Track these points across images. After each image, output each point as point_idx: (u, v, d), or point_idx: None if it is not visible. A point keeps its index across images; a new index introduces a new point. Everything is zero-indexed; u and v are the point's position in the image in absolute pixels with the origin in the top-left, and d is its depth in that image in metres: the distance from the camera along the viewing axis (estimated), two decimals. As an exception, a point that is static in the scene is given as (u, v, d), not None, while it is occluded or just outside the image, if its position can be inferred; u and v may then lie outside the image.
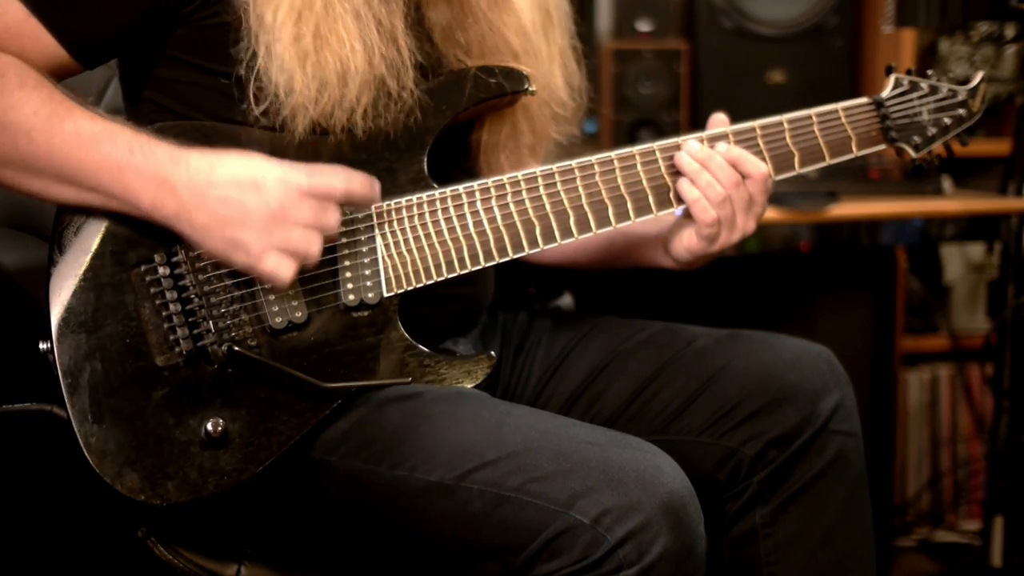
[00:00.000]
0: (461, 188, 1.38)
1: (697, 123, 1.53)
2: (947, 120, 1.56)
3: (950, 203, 2.32)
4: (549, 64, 1.53)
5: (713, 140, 1.45)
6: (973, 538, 2.68)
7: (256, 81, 1.30)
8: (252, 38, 1.30)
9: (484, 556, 1.25)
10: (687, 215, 1.46)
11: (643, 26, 2.57)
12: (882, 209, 2.27)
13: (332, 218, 1.28)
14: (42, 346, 1.28)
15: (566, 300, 2.02)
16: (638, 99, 2.53)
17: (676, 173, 1.44)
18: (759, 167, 1.44)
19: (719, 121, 1.48)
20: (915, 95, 1.55)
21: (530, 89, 1.44)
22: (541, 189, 1.40)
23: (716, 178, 1.42)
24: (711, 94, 2.54)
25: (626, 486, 1.20)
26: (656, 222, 1.49)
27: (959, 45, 2.69)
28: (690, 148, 1.44)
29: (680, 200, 1.44)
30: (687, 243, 1.48)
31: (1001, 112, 2.66)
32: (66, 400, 1.26)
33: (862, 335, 2.50)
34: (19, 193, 1.30)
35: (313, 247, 1.27)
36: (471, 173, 1.48)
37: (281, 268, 1.26)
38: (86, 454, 1.26)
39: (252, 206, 1.24)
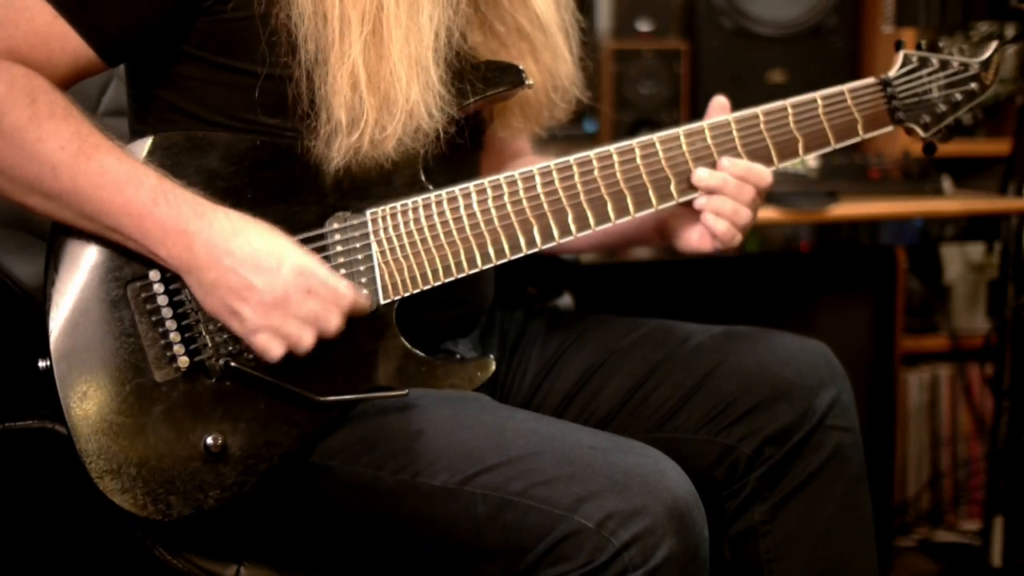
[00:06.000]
0: (457, 189, 1.36)
1: (697, 123, 1.51)
2: (958, 96, 1.51)
3: (950, 203, 2.32)
4: (555, 56, 1.51)
5: (721, 149, 1.43)
6: (973, 538, 2.68)
7: (305, 95, 1.28)
8: (304, 45, 1.28)
9: (487, 560, 1.25)
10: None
11: (643, 26, 2.57)
12: (882, 209, 2.27)
13: (333, 323, 1.27)
14: (41, 364, 1.27)
15: (566, 300, 2.02)
16: (638, 99, 2.53)
17: (676, 166, 1.42)
18: (765, 177, 1.44)
19: (719, 106, 1.47)
20: (924, 71, 1.50)
21: (528, 83, 1.42)
22: (539, 187, 1.38)
23: (731, 197, 1.42)
24: (711, 94, 2.46)
25: (631, 490, 1.20)
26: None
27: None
28: (699, 176, 1.42)
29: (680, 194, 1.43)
30: (696, 243, 1.48)
31: (1001, 112, 2.66)
32: (66, 417, 1.26)
33: (862, 335, 2.50)
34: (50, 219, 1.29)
35: (305, 340, 1.26)
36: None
37: (270, 348, 1.26)
38: (87, 471, 1.26)
39: (259, 286, 1.24)
